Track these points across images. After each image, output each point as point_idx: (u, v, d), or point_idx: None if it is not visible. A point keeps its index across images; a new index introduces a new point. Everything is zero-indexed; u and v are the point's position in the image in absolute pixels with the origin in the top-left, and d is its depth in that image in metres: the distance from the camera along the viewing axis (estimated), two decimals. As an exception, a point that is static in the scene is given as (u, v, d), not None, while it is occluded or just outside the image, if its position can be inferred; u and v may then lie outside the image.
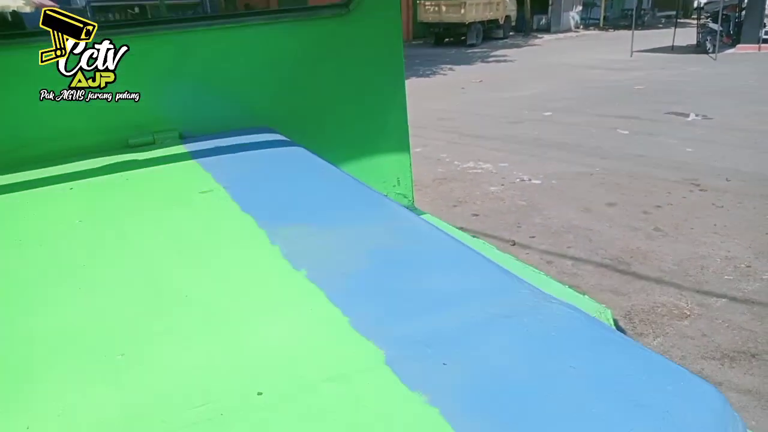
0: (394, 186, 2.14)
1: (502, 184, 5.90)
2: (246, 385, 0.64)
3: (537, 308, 0.76)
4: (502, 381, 0.63)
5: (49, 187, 1.37)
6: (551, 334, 0.71)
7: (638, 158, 6.51)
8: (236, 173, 1.38)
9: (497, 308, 0.76)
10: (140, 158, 1.52)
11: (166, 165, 1.47)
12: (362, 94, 2.01)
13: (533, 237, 4.62)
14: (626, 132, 7.73)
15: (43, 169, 1.47)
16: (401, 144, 2.10)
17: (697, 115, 8.42)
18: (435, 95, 11.17)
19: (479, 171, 6.40)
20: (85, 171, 1.45)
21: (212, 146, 1.59)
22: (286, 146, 1.61)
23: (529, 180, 6.00)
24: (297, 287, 0.84)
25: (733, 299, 3.63)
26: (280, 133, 1.72)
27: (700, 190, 5.48)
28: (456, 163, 6.71)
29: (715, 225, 4.70)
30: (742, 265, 4.05)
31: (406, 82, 2.13)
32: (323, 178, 1.36)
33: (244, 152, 1.55)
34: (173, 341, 0.74)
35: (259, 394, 0.63)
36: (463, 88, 12.20)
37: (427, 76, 14.25)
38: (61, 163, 1.50)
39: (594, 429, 0.56)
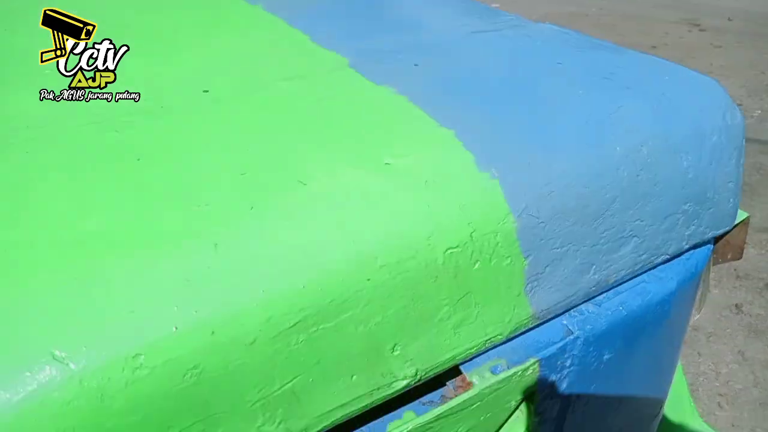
0: None
1: (493, 27, 5.58)
2: (190, 84, 0.57)
3: (523, 26, 0.68)
4: (480, 76, 0.56)
5: None
6: (537, 43, 0.63)
7: (638, -2, 6.11)
8: None
9: (479, 27, 0.67)
10: None
11: None
12: None
13: (523, 78, 4.46)
14: (628, -29, 7.18)
15: None
16: None
17: (705, -47, 7.78)
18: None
19: (469, 13, 6.01)
20: None
21: None
22: None
23: (522, 22, 5.67)
24: (250, 17, 0.74)
25: (720, 135, 3.60)
26: None
27: (700, 30, 5.22)
28: (445, 5, 6.29)
29: (711, 64, 4.54)
30: (735, 103, 3.98)
31: None
32: None
33: None
34: None
35: (205, 91, 0.55)
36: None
37: None
38: None
39: (576, 107, 0.50)
